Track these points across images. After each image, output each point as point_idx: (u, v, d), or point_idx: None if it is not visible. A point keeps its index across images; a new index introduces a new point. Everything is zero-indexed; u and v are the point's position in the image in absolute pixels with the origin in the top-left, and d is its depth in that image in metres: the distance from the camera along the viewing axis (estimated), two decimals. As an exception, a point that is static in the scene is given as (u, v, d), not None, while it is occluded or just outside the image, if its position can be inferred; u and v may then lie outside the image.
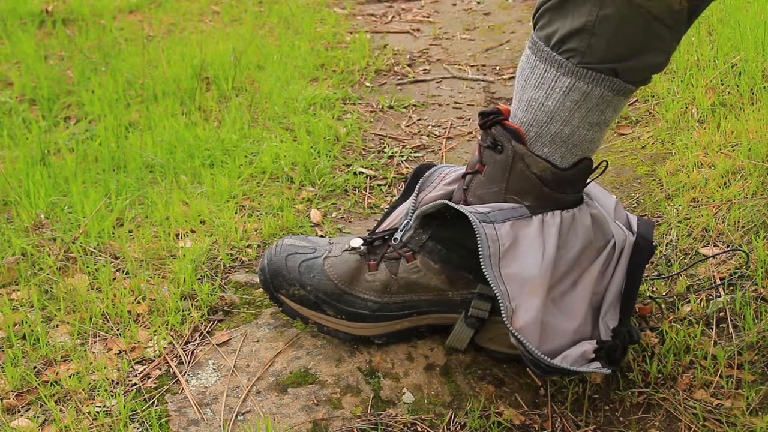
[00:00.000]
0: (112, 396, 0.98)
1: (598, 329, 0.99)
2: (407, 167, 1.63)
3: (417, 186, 1.08)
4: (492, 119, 0.96)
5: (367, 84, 2.12)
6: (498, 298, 0.91)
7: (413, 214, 1.03)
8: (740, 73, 1.68)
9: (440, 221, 1.01)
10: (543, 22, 0.93)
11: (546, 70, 0.92)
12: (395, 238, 1.03)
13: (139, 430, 0.94)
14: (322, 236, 1.35)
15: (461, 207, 0.96)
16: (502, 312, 0.91)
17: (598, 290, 1.00)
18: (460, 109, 1.96)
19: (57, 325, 1.12)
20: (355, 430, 0.95)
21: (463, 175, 1.02)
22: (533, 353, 0.91)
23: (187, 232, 1.33)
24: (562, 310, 0.96)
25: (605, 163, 1.02)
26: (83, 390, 0.99)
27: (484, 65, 2.27)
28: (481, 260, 0.92)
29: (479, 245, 0.92)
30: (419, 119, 1.90)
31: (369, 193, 1.53)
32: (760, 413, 0.94)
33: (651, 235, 1.04)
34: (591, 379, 1.03)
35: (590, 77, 0.90)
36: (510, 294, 0.92)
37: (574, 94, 0.91)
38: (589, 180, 1.01)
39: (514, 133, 0.95)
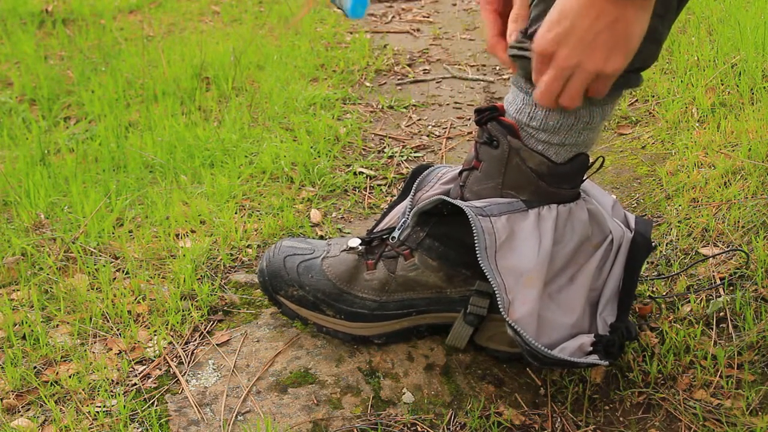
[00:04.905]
0: (112, 396, 0.98)
1: (595, 324, 0.99)
2: (407, 167, 1.63)
3: (414, 186, 1.08)
4: (487, 115, 0.97)
5: (367, 84, 2.12)
6: (495, 290, 0.92)
7: (410, 212, 1.03)
8: (740, 73, 1.68)
9: (437, 218, 1.01)
10: (532, 17, 0.92)
11: None
12: (393, 237, 1.04)
13: (139, 430, 0.94)
14: (322, 236, 1.35)
15: (457, 201, 0.96)
16: (499, 304, 0.91)
17: (596, 286, 1.00)
18: (460, 109, 1.96)
19: (57, 325, 1.12)
20: (355, 430, 0.95)
21: (460, 172, 1.03)
22: (531, 344, 0.91)
23: (187, 232, 1.33)
24: (559, 305, 0.96)
25: (601, 159, 1.02)
26: (83, 390, 0.99)
27: (484, 65, 2.27)
28: (477, 253, 0.92)
29: (475, 238, 0.92)
30: (419, 119, 1.90)
31: (369, 193, 1.53)
32: (760, 413, 0.94)
33: (649, 233, 1.04)
34: (591, 378, 1.03)
35: None
36: (507, 286, 0.92)
37: None
38: (586, 176, 1.01)
39: (509, 128, 0.95)
